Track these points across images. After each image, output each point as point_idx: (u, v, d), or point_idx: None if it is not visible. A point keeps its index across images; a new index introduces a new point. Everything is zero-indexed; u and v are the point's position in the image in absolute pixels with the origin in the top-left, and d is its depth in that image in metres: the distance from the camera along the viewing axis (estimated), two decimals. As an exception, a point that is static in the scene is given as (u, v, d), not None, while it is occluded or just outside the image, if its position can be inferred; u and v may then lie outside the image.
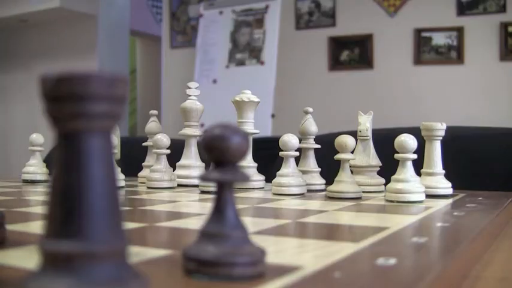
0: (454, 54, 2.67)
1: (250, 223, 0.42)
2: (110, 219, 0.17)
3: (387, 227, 0.40)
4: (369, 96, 2.78)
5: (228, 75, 2.92)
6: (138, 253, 0.28)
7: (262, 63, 2.84)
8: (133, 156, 0.89)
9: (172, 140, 0.78)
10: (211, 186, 0.67)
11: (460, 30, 2.65)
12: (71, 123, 0.16)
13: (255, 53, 2.87)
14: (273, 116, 2.69)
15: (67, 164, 0.17)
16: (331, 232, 0.41)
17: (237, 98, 0.77)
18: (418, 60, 2.74)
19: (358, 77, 2.85)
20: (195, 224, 0.42)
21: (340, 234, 0.40)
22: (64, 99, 0.16)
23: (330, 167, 0.68)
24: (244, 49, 2.91)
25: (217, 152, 0.25)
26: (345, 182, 0.62)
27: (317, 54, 2.94)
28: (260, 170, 0.78)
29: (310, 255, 0.30)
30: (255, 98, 0.78)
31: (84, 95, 0.16)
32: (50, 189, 0.17)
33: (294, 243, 0.35)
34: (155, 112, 0.90)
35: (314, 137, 0.75)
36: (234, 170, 0.25)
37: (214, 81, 2.97)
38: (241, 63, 2.93)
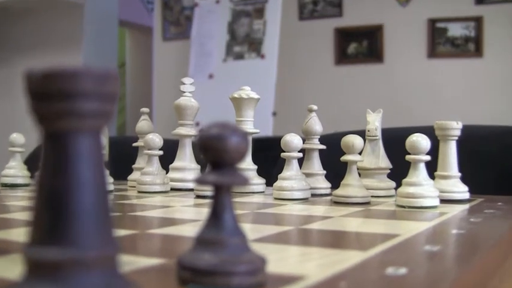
0: (471, 46, 2.67)
1: (249, 230, 0.42)
2: (99, 224, 0.17)
3: (398, 235, 0.40)
4: (379, 92, 2.78)
5: (226, 70, 2.93)
6: (129, 262, 0.28)
7: (262, 56, 2.84)
8: (123, 158, 0.89)
9: (165, 140, 0.79)
10: (208, 190, 0.67)
11: (478, 20, 2.65)
12: (58, 122, 0.16)
13: (254, 45, 2.87)
14: (274, 114, 2.69)
15: (54, 165, 0.17)
16: (337, 240, 0.41)
17: (235, 95, 0.78)
18: (433, 53, 2.74)
19: (367, 72, 2.86)
20: (190, 231, 0.43)
21: (346, 242, 0.41)
22: (51, 97, 0.17)
23: (335, 170, 0.68)
24: (243, 41, 2.91)
25: (214, 153, 0.25)
26: (352, 186, 0.62)
27: (322, 47, 2.94)
28: (260, 172, 0.79)
29: (314, 264, 0.30)
30: (254, 95, 0.78)
31: (72, 92, 0.16)
32: (35, 193, 0.18)
33: (297, 252, 0.35)
34: (146, 110, 0.91)
35: (319, 137, 0.76)
36: (232, 173, 0.26)
37: (211, 76, 2.98)
38: (239, 56, 2.93)
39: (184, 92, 0.83)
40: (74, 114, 0.17)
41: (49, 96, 0.17)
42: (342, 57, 2.92)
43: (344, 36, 2.92)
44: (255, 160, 0.79)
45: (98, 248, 0.17)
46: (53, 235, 0.17)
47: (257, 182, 0.76)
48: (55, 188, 0.17)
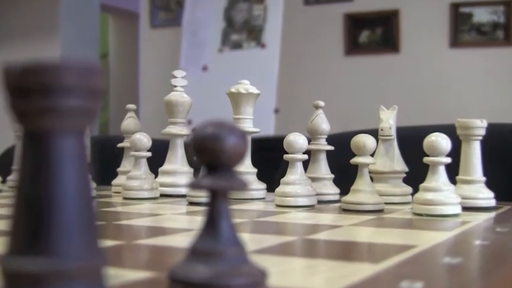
0: (500, 33, 2.67)
1: (249, 240, 0.43)
2: (83, 233, 0.18)
3: (414, 246, 0.41)
4: (394, 87, 2.78)
5: (222, 61, 2.93)
6: (115, 275, 0.29)
7: (263, 46, 2.85)
8: (106, 160, 0.90)
9: (153, 141, 0.79)
10: (202, 197, 0.68)
11: (508, 5, 2.65)
12: (38, 120, 0.17)
13: (254, 34, 2.88)
14: (276, 111, 2.70)
15: (34, 168, 0.18)
16: (346, 251, 0.41)
17: (233, 90, 0.78)
18: (455, 41, 2.74)
19: (381, 64, 2.86)
20: (182, 241, 0.43)
21: (357, 253, 0.41)
22: (31, 92, 0.17)
23: (345, 173, 0.69)
24: (241, 29, 2.92)
25: (210, 155, 0.26)
26: (363, 192, 0.63)
27: (330, 36, 2.95)
28: (261, 176, 0.79)
29: (321, 278, 0.31)
30: (254, 90, 0.78)
31: (54, 87, 0.17)
32: (13, 199, 0.18)
33: (302, 264, 0.36)
34: (133, 106, 0.91)
35: (326, 136, 0.76)
36: (229, 176, 0.26)
37: (205, 68, 2.98)
38: (237, 46, 2.93)
39: (176, 86, 0.83)
40: (56, 112, 0.17)
41: (28, 92, 0.17)
42: (353, 46, 2.93)
43: (355, 23, 2.92)
44: (254, 163, 0.79)
45: (82, 259, 0.18)
46: (33, 245, 0.17)
47: (257, 187, 0.76)
48: (35, 193, 0.17)
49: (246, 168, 0.77)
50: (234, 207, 0.66)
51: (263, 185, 0.78)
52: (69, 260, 0.17)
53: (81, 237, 0.18)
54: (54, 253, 0.17)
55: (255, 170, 0.78)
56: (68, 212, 0.18)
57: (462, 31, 2.73)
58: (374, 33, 2.91)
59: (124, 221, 0.56)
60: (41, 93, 0.17)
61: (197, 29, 3.04)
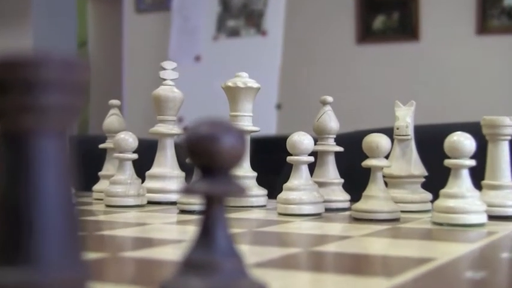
0: (532, 20, 2.67)
1: (248, 252, 0.43)
2: (65, 242, 0.18)
3: (433, 258, 0.41)
4: (412, 79, 2.79)
5: (217, 51, 2.94)
6: (99, 291, 0.29)
7: (263, 33, 2.85)
8: (86, 163, 0.90)
9: (140, 141, 0.79)
10: (195, 204, 0.68)
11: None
12: (16, 119, 0.17)
13: (253, 19, 2.88)
14: (278, 107, 2.70)
15: (12, 171, 0.18)
16: (357, 264, 0.42)
17: (229, 83, 0.79)
18: (483, 27, 2.74)
19: (397, 53, 2.86)
20: (172, 253, 0.44)
21: (369, 267, 0.42)
22: (8, 89, 0.18)
23: (356, 178, 0.69)
24: (239, 14, 2.92)
25: (204, 157, 0.26)
26: (376, 198, 0.63)
27: (340, 21, 2.95)
28: (261, 181, 0.79)
29: (328, 294, 0.31)
30: (253, 83, 0.79)
31: (34, 83, 0.17)
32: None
33: (307, 278, 0.37)
34: (116, 102, 0.92)
35: (335, 136, 0.77)
36: (226, 181, 0.26)
37: (197, 58, 2.99)
38: (234, 33, 2.94)
39: (165, 79, 0.84)
40: (36, 110, 0.18)
41: (5, 88, 0.18)
42: (366, 34, 2.93)
43: (368, 7, 2.93)
44: (254, 166, 0.80)
45: (64, 270, 0.18)
46: (11, 254, 0.18)
47: (257, 193, 0.77)
48: (13, 199, 0.18)
49: (245, 172, 0.78)
50: (232, 215, 0.66)
51: (264, 191, 0.78)
52: (50, 272, 0.18)
53: (63, 247, 0.18)
54: (34, 264, 0.18)
55: (255, 174, 0.79)
56: (49, 220, 0.18)
57: (491, 16, 2.74)
58: (390, 19, 2.91)
59: (107, 231, 0.57)
60: (20, 90, 0.18)
61: (189, 14, 3.04)
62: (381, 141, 0.63)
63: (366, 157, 0.64)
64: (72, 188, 0.19)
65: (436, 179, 0.66)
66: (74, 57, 0.18)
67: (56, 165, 0.18)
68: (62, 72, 0.18)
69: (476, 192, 0.61)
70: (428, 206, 0.71)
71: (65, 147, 0.18)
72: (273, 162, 0.99)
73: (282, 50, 2.76)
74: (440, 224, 0.60)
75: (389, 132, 0.70)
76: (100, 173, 0.90)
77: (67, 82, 0.18)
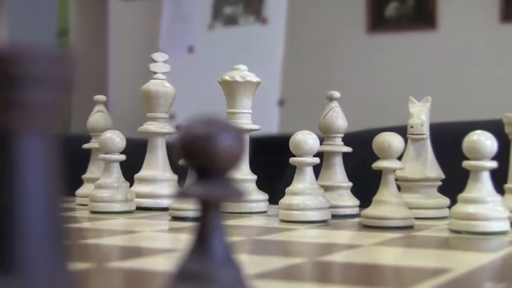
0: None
1: (247, 262, 0.44)
2: (51, 250, 0.19)
3: (450, 269, 0.42)
4: (428, 72, 2.78)
5: (212, 41, 2.94)
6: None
7: (264, 21, 2.85)
8: (69, 165, 0.90)
9: (128, 140, 0.80)
10: (189, 210, 0.69)
11: None
12: (0, 117, 0.18)
13: (253, 5, 2.88)
14: (280, 103, 2.70)
15: (-6, 173, 0.18)
16: (367, 275, 0.43)
17: (226, 77, 0.79)
18: (508, 15, 2.73)
19: (412, 43, 2.86)
20: (164, 263, 0.44)
21: (380, 278, 0.42)
22: (-11, 84, 0.18)
23: (365, 181, 0.69)
24: (237, 0, 2.92)
25: (199, 159, 0.26)
26: (388, 204, 0.64)
27: (349, 8, 2.95)
28: (261, 185, 0.80)
29: (334, 308, 0.32)
30: (253, 77, 0.79)
31: (17, 77, 0.18)
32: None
33: (311, 291, 0.37)
34: (102, 98, 0.92)
35: (342, 135, 0.77)
36: (223, 184, 0.27)
37: (191, 49, 2.99)
38: (231, 21, 2.94)
39: (156, 73, 0.84)
40: (19, 107, 0.18)
41: (-14, 83, 0.18)
42: (377, 22, 2.93)
43: (380, -7, 2.93)
44: (254, 168, 0.80)
45: (47, 279, 0.19)
46: (-8, 263, 0.18)
47: (257, 197, 0.77)
48: (-5, 202, 0.18)
49: (244, 174, 0.78)
50: (229, 222, 0.66)
51: (264, 196, 0.78)
52: (34, 281, 0.18)
53: (48, 255, 0.19)
54: (16, 272, 0.18)
55: (255, 177, 0.79)
56: (32, 224, 0.19)
57: (515, 2, 2.73)
58: (404, 5, 2.91)
59: (92, 239, 0.57)
60: (2, 86, 0.18)
61: (181, 0, 3.04)
62: (393, 140, 0.64)
63: (376, 158, 0.65)
64: (59, 192, 0.19)
65: (454, 182, 0.66)
66: (59, 50, 0.18)
67: (42, 167, 0.18)
68: (47, 66, 0.19)
69: (498, 197, 0.61)
70: (446, 212, 0.71)
71: (51, 147, 0.19)
72: (274, 163, 0.99)
73: (285, 40, 2.76)
74: (459, 232, 0.60)
75: (402, 130, 0.70)
76: (84, 176, 0.90)
77: (52, 77, 0.18)
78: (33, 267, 0.18)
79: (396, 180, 0.68)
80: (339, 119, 0.76)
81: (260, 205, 0.77)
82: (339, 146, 0.76)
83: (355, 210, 0.74)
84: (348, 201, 0.74)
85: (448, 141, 0.73)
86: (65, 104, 0.19)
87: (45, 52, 0.18)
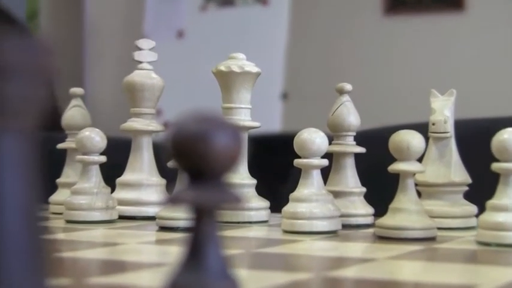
0: None
1: (246, 278, 0.44)
2: (27, 260, 0.19)
3: (476, 285, 0.42)
4: (453, 61, 2.78)
5: (205, 25, 2.93)
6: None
7: (264, 2, 2.85)
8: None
9: (109, 140, 0.80)
10: (179, 219, 0.69)
11: None
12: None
13: (252, -16, 2.88)
14: (284, 97, 2.70)
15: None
16: (381, 293, 0.43)
17: (222, 67, 0.79)
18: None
19: (436, 27, 2.85)
20: (150, 279, 0.45)
21: (396, 296, 0.43)
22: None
23: (381, 186, 0.70)
24: (234, -22, 2.92)
25: (191, 160, 0.27)
26: (406, 212, 0.64)
27: (363, -13, 2.94)
28: (262, 190, 0.80)
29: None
30: (252, 67, 0.80)
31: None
32: None
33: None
34: (79, 91, 0.92)
35: (354, 133, 0.77)
36: (218, 189, 0.27)
37: (180, 34, 2.99)
38: (227, 1, 2.93)
39: (141, 62, 0.84)
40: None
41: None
42: (396, 2, 2.93)
43: (398, -30, 2.92)
44: (253, 171, 0.80)
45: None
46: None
47: (257, 205, 0.77)
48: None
49: (242, 178, 0.78)
50: (226, 233, 0.67)
51: (265, 203, 0.79)
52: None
53: (24, 266, 0.19)
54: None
55: (254, 182, 0.79)
56: (8, 233, 0.19)
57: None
58: (426, -16, 2.90)
59: (68, 252, 0.57)
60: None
61: (169, -22, 3.04)
62: (413, 140, 0.64)
63: (393, 160, 0.65)
64: (38, 200, 0.20)
65: (482, 187, 0.67)
66: (40, 40, 0.19)
67: (19, 170, 0.19)
68: (23, 56, 0.19)
69: (532, 205, 0.61)
70: (473, 221, 0.71)
71: (30, 148, 0.19)
72: (276, 166, 1.00)
73: (289, 23, 2.76)
74: (487, 244, 0.60)
75: (423, 128, 0.70)
76: (58, 180, 0.90)
77: (32, 70, 0.19)
78: (7, 284, 0.19)
79: (416, 185, 0.68)
80: (350, 115, 0.76)
81: (260, 213, 0.77)
82: (350, 146, 0.77)
83: (369, 220, 0.74)
84: (361, 209, 0.75)
85: (475, 140, 0.73)
86: (45, 100, 0.19)
87: (19, 40, 0.19)
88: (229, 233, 0.67)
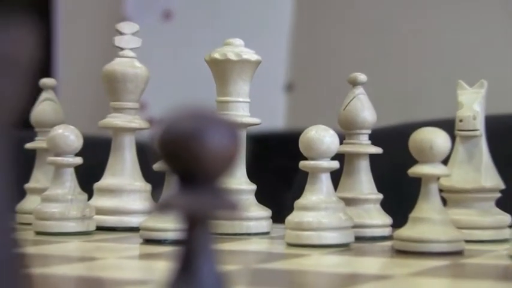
0: None
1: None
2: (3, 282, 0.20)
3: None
4: (485, 46, 2.77)
5: (196, 4, 2.93)
6: None
7: (266, -22, 2.85)
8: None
9: (85, 139, 0.80)
10: (167, 230, 0.69)
11: None
12: None
13: (251, -42, 2.88)
14: (288, 88, 2.70)
15: None
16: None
17: (216, 55, 0.79)
18: None
19: (466, 2, 2.85)
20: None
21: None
22: None
23: (399, 192, 0.70)
24: (230, -50, 2.92)
25: (182, 163, 0.27)
26: (429, 222, 0.64)
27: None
28: (263, 197, 0.80)
29: None
30: (251, 54, 0.80)
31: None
32: None
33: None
34: (51, 82, 0.92)
35: (369, 131, 0.77)
36: (213, 195, 0.28)
37: (167, 15, 2.98)
38: (222, -22, 2.94)
39: (122, 49, 0.85)
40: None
41: None
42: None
43: None
44: (252, 174, 0.80)
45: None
46: None
47: (257, 214, 0.77)
48: None
49: (239, 183, 0.78)
50: (222, 246, 0.67)
51: (266, 212, 0.79)
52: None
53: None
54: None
55: (253, 187, 0.79)
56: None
57: None
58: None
59: (39, 268, 0.58)
60: None
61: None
62: (437, 139, 0.64)
63: (414, 162, 0.65)
64: (11, 207, 0.20)
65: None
66: (8, 26, 0.19)
67: None
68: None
69: None
70: (506, 233, 0.71)
71: (4, 147, 0.19)
72: (279, 169, 1.00)
73: (294, 3, 2.76)
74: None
75: (448, 125, 0.70)
76: (27, 186, 0.90)
77: (3, 60, 0.19)
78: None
79: (440, 191, 0.68)
80: (364, 110, 0.76)
81: (261, 224, 0.77)
82: (365, 146, 0.77)
83: (386, 231, 0.74)
84: (377, 219, 0.75)
85: (509, 139, 0.73)
86: (15, 93, 0.19)
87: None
88: (225, 246, 0.68)
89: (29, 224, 0.79)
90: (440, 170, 0.65)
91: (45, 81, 0.91)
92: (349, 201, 0.73)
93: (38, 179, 0.90)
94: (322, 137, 0.68)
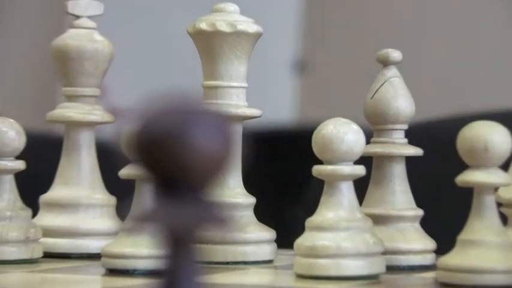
0: None
1: None
2: None
3: None
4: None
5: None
6: None
7: None
8: None
9: (29, 136, 0.80)
10: (138, 257, 0.69)
11: None
12: None
13: None
14: (299, 69, 2.71)
15: None
16: None
17: (203, 25, 0.80)
18: None
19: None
20: None
21: None
22: None
23: (444, 207, 0.70)
24: None
25: (161, 168, 0.28)
26: (484, 246, 0.65)
27: None
28: (265, 212, 0.81)
29: None
30: (249, 24, 0.80)
31: None
32: None
33: None
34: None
35: (406, 126, 0.77)
36: (198, 209, 0.28)
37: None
38: None
39: (77, 17, 0.85)
40: None
41: None
42: None
43: None
44: (252, 184, 0.81)
45: None
46: None
47: (256, 236, 0.78)
48: None
49: (233, 195, 0.78)
50: (211, 279, 0.67)
51: (269, 233, 0.79)
52: None
53: None
54: None
55: (252, 200, 0.80)
56: None
57: None
58: None
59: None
60: None
61: None
62: (493, 136, 0.64)
63: (464, 167, 0.66)
64: None
65: None
66: None
67: None
68: None
69: None
70: None
71: None
72: (286, 176, 1.01)
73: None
74: None
75: (508, 119, 0.71)
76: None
77: None
78: None
79: (499, 205, 0.69)
80: (399, 98, 0.77)
81: (262, 249, 0.78)
82: (399, 146, 0.77)
83: (428, 258, 0.75)
84: (416, 243, 0.75)
85: None
86: None
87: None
88: (215, 278, 0.68)
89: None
90: (498, 177, 0.65)
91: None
92: (378, 219, 0.74)
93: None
94: (342, 134, 0.68)
